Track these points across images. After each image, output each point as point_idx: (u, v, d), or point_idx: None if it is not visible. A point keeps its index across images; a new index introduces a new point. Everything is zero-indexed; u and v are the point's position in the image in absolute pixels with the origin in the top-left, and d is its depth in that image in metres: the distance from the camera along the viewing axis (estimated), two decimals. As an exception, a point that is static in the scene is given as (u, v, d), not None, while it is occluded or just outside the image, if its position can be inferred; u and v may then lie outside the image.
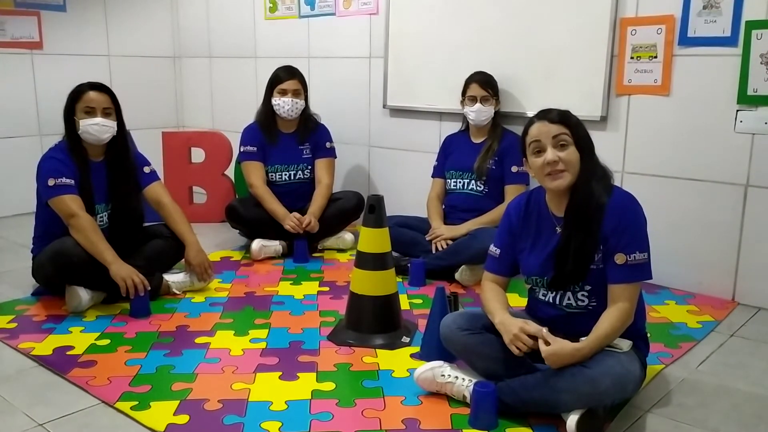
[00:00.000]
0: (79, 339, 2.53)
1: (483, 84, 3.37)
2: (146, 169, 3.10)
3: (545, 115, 2.00)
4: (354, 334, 2.52)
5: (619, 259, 1.92)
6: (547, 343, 1.88)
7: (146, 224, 3.12)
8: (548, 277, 2.02)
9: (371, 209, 2.51)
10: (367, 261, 2.52)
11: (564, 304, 2.04)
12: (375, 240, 2.52)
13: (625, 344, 1.95)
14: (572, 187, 1.98)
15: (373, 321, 2.52)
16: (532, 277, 2.09)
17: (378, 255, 2.52)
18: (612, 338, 1.94)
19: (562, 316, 2.04)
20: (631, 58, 3.14)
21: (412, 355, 2.40)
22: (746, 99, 2.85)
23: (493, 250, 2.18)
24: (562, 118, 1.97)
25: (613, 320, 1.91)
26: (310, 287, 3.14)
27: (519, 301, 2.51)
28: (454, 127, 3.69)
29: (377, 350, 2.44)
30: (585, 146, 1.98)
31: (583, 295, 2.01)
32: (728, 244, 2.99)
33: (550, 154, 1.94)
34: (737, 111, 2.89)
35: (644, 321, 2.10)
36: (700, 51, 2.96)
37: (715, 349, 2.52)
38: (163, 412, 2.00)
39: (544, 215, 2.08)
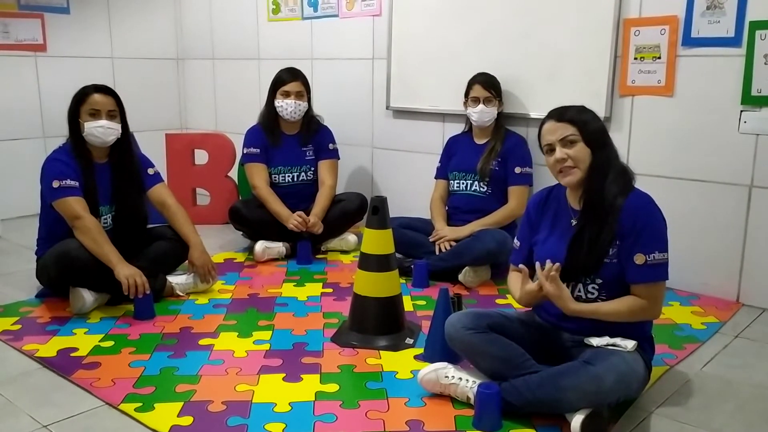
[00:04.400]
0: (83, 341, 2.53)
1: (486, 85, 3.37)
2: (150, 171, 3.11)
3: (554, 114, 2.05)
4: (357, 336, 2.52)
5: (639, 259, 1.95)
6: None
7: (150, 226, 3.12)
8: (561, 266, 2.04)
9: (375, 210, 2.51)
10: (370, 262, 2.52)
11: (574, 296, 2.04)
12: (378, 241, 2.52)
13: (630, 344, 1.95)
14: (586, 181, 2.02)
15: (376, 322, 2.52)
16: (544, 266, 2.10)
17: (381, 256, 2.52)
18: (614, 316, 1.98)
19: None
20: (635, 58, 3.13)
21: (416, 357, 2.40)
22: (750, 99, 2.84)
23: (516, 242, 2.25)
24: (570, 116, 2.02)
25: (624, 304, 1.97)
26: (314, 289, 3.14)
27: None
28: (457, 128, 3.69)
29: (381, 352, 2.44)
30: (595, 141, 2.01)
31: (593, 287, 2.02)
32: (732, 245, 2.98)
33: (558, 152, 2.01)
34: (741, 111, 2.88)
35: (651, 323, 2.10)
36: (704, 51, 2.96)
37: (719, 350, 2.51)
38: (167, 413, 2.00)
39: (562, 207, 2.12)
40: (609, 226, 1.97)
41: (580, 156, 2.00)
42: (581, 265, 2.00)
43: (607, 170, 2.01)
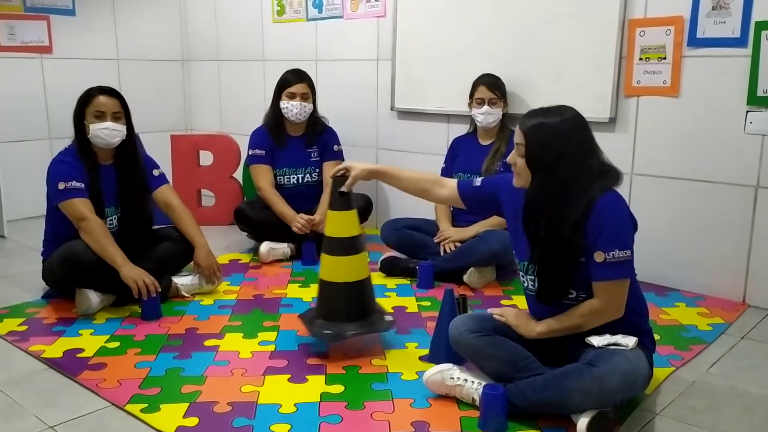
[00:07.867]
0: (89, 341, 2.54)
1: (491, 86, 3.36)
2: (155, 172, 3.11)
3: (523, 116, 2.04)
4: (325, 324, 2.41)
5: (598, 257, 1.92)
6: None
7: (155, 227, 3.13)
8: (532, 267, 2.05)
9: (341, 193, 2.36)
10: (336, 246, 2.38)
11: None
12: (343, 223, 2.38)
13: (631, 341, 1.95)
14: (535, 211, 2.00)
15: (345, 309, 2.40)
16: (522, 262, 2.11)
17: (347, 239, 2.38)
18: (574, 328, 1.98)
19: (554, 309, 2.03)
20: (640, 59, 3.13)
21: (421, 358, 2.40)
22: (756, 100, 2.83)
23: (478, 181, 2.30)
24: (526, 127, 1.99)
25: (578, 312, 1.97)
26: (319, 290, 3.14)
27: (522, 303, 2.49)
28: (462, 129, 3.69)
29: (386, 352, 2.44)
30: (536, 167, 1.96)
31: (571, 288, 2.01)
32: (738, 245, 2.97)
33: (511, 155, 2.05)
34: (747, 112, 2.87)
35: (646, 317, 2.09)
36: (710, 52, 2.95)
37: (725, 351, 2.50)
38: (172, 414, 2.01)
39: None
40: (572, 248, 1.93)
41: (521, 170, 2.01)
42: (550, 287, 2.00)
43: (563, 196, 1.93)
